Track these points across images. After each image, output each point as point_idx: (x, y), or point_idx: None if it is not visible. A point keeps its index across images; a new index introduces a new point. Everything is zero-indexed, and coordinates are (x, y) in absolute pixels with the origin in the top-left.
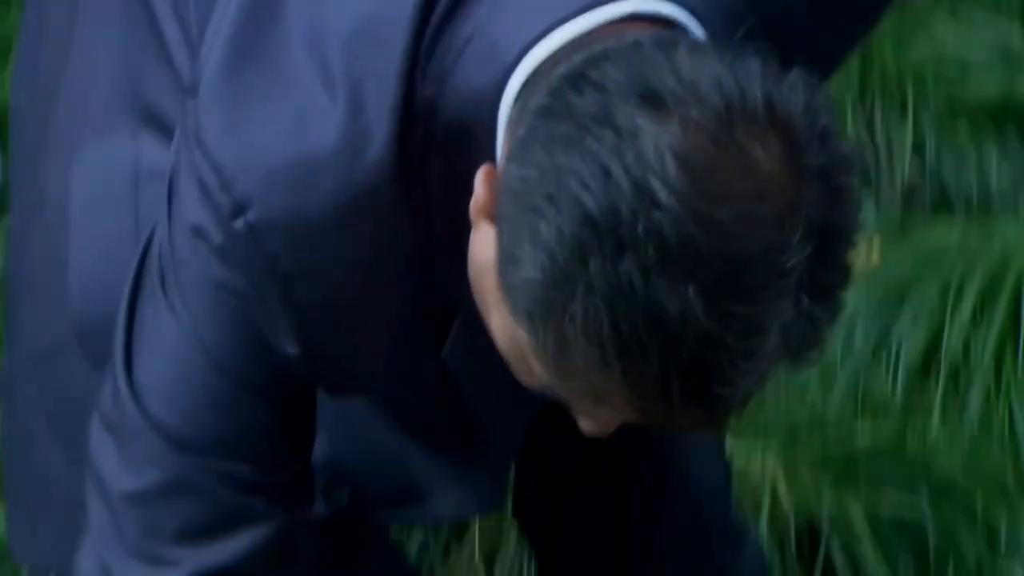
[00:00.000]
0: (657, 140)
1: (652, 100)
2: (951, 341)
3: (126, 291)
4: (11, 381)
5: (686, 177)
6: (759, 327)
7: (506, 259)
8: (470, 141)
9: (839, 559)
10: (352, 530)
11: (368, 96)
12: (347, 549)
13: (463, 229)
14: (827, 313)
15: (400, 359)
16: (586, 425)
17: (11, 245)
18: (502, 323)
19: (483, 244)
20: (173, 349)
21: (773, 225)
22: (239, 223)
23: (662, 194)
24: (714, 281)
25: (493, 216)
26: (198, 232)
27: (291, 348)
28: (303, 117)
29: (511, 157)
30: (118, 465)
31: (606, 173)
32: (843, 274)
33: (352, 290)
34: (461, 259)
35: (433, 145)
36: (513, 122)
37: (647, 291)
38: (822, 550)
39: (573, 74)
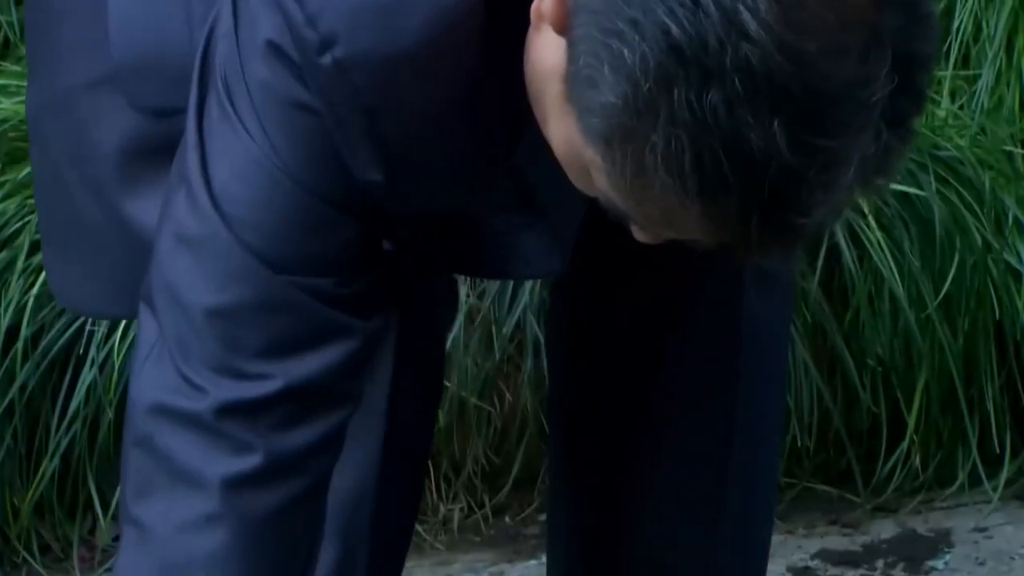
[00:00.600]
0: None
1: None
2: (962, 20)
3: (192, 95)
4: (38, 122)
5: (775, 8)
6: (841, 160)
7: (582, 81)
8: None
9: (843, 237)
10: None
11: None
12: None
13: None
14: (902, 141)
15: (476, 175)
16: (641, 236)
17: None
18: (564, 134)
19: (547, 51)
20: (251, 169)
21: (858, 57)
22: (326, 58)
23: (751, 26)
24: (799, 115)
25: (564, 29)
26: (278, 55)
27: (372, 175)
28: None
29: None
30: (201, 279)
31: (695, 2)
32: (920, 101)
33: (437, 121)
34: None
35: None
36: None
37: (732, 123)
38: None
39: None
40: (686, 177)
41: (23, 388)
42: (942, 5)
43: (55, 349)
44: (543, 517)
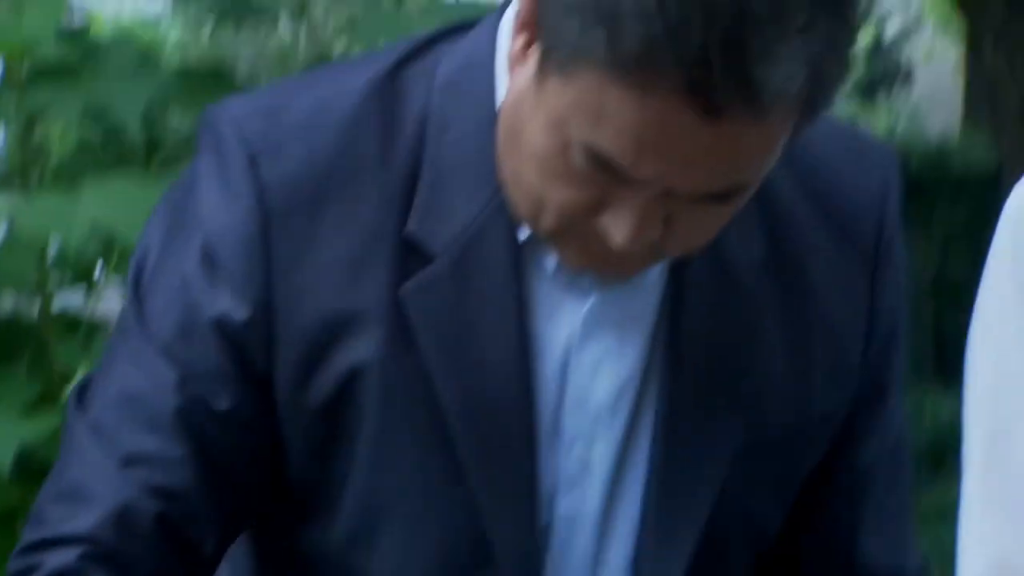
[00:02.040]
0: None
1: None
2: None
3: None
4: None
5: None
6: (789, 8)
7: (553, 28)
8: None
9: None
10: None
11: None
12: None
13: (451, 175)
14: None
15: (354, 284)
16: (617, 226)
17: None
18: (545, 115)
19: (520, 77)
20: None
21: None
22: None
23: None
24: None
25: (532, 40)
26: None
27: (245, 307)
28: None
29: None
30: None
31: None
32: None
33: (320, 178)
34: (446, 204)
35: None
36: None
37: None
38: None
39: None
40: (653, 24)
41: None
42: None
43: None
44: None
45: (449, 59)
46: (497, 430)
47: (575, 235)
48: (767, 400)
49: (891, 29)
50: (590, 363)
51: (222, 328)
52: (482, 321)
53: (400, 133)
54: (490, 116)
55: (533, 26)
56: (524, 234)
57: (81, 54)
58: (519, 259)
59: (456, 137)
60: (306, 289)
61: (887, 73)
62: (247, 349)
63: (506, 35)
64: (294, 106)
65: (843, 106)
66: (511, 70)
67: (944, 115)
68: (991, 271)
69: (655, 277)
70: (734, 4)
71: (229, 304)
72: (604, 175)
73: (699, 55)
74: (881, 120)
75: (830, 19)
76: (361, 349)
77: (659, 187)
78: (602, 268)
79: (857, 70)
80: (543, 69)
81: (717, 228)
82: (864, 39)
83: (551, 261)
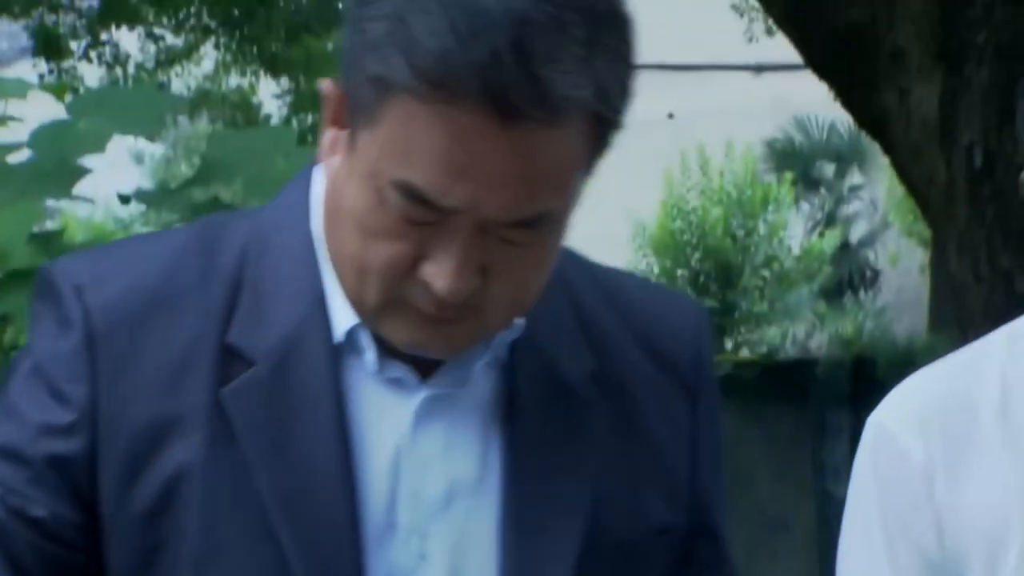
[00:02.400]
0: None
1: None
2: None
3: None
4: None
5: None
6: (564, 13)
7: (353, 77)
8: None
9: None
10: None
11: None
12: None
13: (271, 290)
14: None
15: (175, 390)
16: (438, 273)
17: None
18: (359, 173)
19: (332, 167)
20: None
21: None
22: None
23: None
24: None
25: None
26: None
27: (69, 411)
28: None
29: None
30: None
31: None
32: None
33: (141, 301)
34: (266, 315)
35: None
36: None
37: None
38: None
39: None
40: (446, 38)
41: None
42: None
43: None
44: None
45: (268, 208)
46: (321, 526)
47: (399, 307)
48: (604, 506)
49: (858, 232)
50: (421, 460)
51: (47, 438)
52: (302, 420)
53: (220, 262)
54: (306, 237)
55: (340, 116)
56: (340, 336)
57: (53, 257)
58: (338, 362)
59: (274, 258)
60: (129, 398)
61: (854, 275)
62: (71, 462)
63: (319, 177)
64: (119, 250)
65: (810, 305)
66: (325, 167)
67: (911, 317)
68: (853, 494)
69: (482, 382)
70: (517, 15)
71: (54, 415)
72: (420, 213)
73: (491, 60)
74: (848, 321)
75: (607, 38)
76: (184, 452)
77: (473, 218)
78: (428, 341)
79: (824, 271)
80: (353, 139)
81: (533, 287)
82: (832, 241)
83: (372, 362)
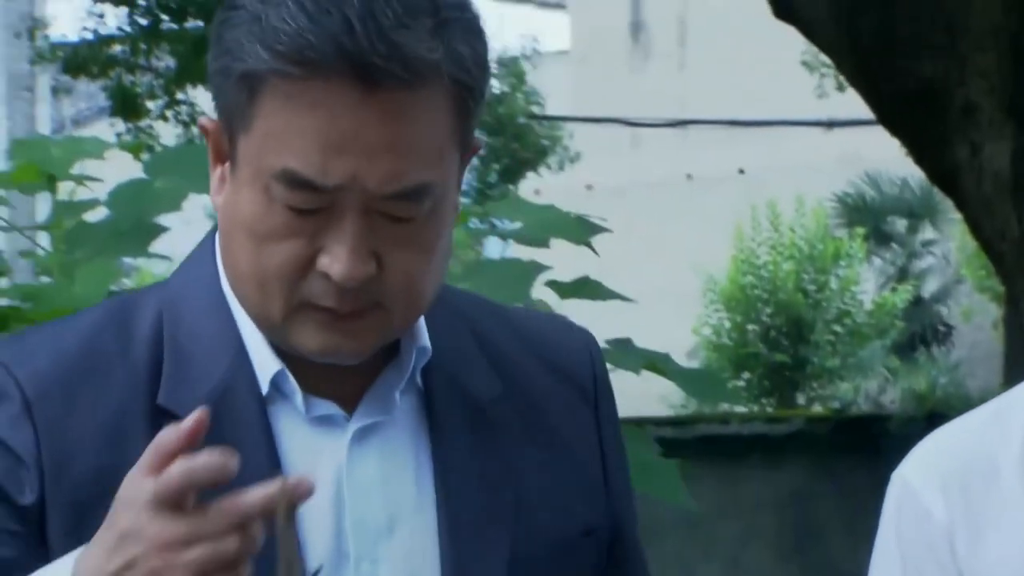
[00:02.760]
0: None
1: None
2: None
3: None
4: None
5: None
6: None
7: (218, 83)
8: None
9: None
10: None
11: None
12: None
13: (191, 350)
14: None
15: (115, 447)
16: (334, 260)
17: None
18: (243, 182)
19: (220, 200)
20: None
21: None
22: None
23: None
24: None
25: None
26: None
27: (30, 491)
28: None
29: None
30: None
31: None
32: None
33: (66, 370)
34: (190, 374)
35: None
36: None
37: None
38: None
39: None
40: (297, 14)
41: None
42: None
43: None
44: None
45: (176, 274)
46: (267, 564)
47: (304, 311)
48: (531, 511)
49: (930, 287)
50: (362, 489)
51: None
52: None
53: (137, 328)
54: (218, 294)
55: (221, 148)
56: (266, 387)
57: None
58: (267, 409)
59: (190, 318)
60: (71, 453)
61: (926, 330)
62: (25, 511)
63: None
64: (38, 330)
65: (883, 360)
66: (215, 205)
67: (985, 372)
68: (878, 549)
69: (403, 409)
70: None
71: (5, 463)
72: (305, 199)
73: (345, 28)
74: (921, 377)
75: (452, 11)
76: None
77: (357, 196)
78: (339, 343)
79: (897, 327)
80: (233, 154)
81: (427, 278)
82: (904, 296)
83: (299, 404)
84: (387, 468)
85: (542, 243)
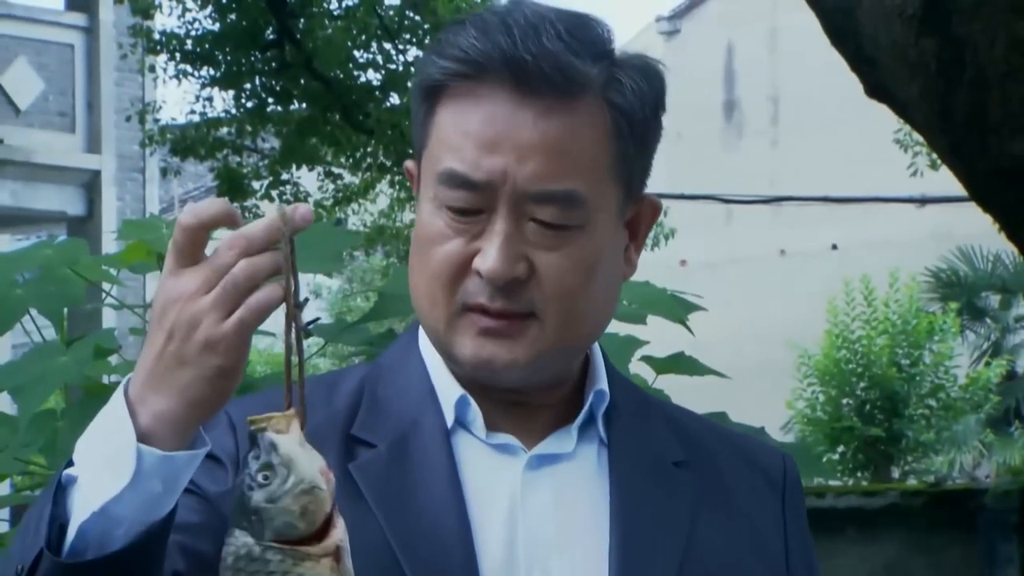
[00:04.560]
0: None
1: None
2: None
3: None
4: None
5: None
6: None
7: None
8: None
9: None
10: None
11: None
12: None
13: (385, 395)
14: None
15: None
16: (488, 254)
17: None
18: (424, 197)
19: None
20: None
21: None
22: None
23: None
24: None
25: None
26: None
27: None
28: None
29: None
30: None
31: None
32: None
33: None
34: (382, 412)
35: None
36: None
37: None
38: None
39: None
40: (465, 30)
41: None
42: None
43: None
44: None
45: (383, 354)
46: (441, 562)
47: (463, 318)
48: (699, 560)
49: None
50: (536, 508)
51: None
52: (421, 482)
53: (341, 388)
54: (414, 353)
55: (415, 169)
56: (451, 417)
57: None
58: (450, 438)
59: (388, 376)
60: None
61: (1021, 404)
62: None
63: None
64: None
65: (977, 434)
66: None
67: None
68: None
69: (586, 457)
70: (534, 22)
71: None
72: (461, 198)
73: (509, 40)
74: (1016, 451)
75: (612, 46)
76: None
77: (508, 196)
78: (493, 352)
79: (991, 400)
80: (419, 177)
81: (578, 293)
82: (998, 370)
83: (480, 426)
84: (561, 495)
85: (639, 320)
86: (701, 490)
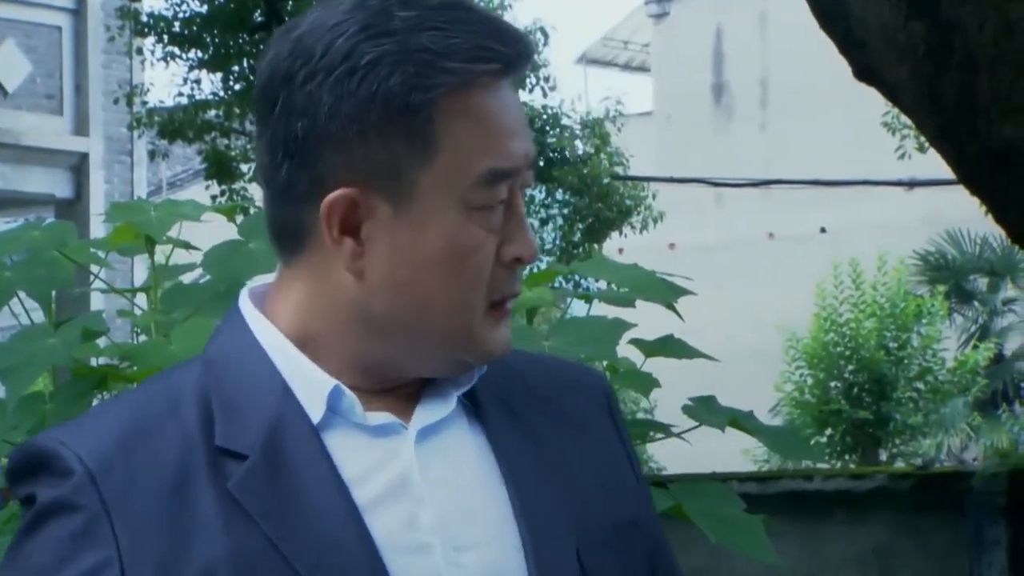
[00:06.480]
0: None
1: None
2: None
3: None
4: None
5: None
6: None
7: (355, 149)
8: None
9: None
10: None
11: None
12: None
13: (237, 397)
14: None
15: (184, 501)
16: (522, 241)
17: None
18: (437, 199)
19: (350, 273)
20: None
21: None
22: None
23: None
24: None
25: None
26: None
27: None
28: None
29: None
30: None
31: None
32: None
33: (120, 440)
34: (241, 417)
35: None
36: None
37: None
38: None
39: None
40: (448, 37)
41: None
42: None
43: None
44: None
45: (209, 345)
46: (348, 563)
47: (489, 316)
48: (585, 502)
49: (1012, 345)
50: (436, 482)
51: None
52: (305, 486)
53: (182, 391)
54: (255, 346)
55: (351, 222)
56: (322, 409)
57: None
58: (318, 432)
59: (232, 377)
60: (142, 516)
61: (1008, 387)
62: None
63: (246, 303)
64: (86, 415)
65: (965, 417)
66: (354, 274)
67: None
68: None
69: (458, 415)
70: (469, 9)
71: (78, 551)
72: (503, 191)
73: (491, 31)
74: (1003, 434)
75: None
76: (207, 546)
77: (522, 176)
78: (509, 336)
79: (979, 384)
80: (410, 197)
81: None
82: (986, 354)
83: (359, 412)
84: (456, 460)
85: (628, 303)
86: (560, 431)
